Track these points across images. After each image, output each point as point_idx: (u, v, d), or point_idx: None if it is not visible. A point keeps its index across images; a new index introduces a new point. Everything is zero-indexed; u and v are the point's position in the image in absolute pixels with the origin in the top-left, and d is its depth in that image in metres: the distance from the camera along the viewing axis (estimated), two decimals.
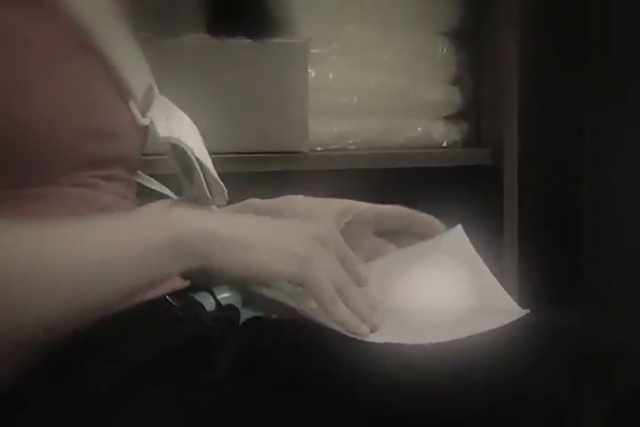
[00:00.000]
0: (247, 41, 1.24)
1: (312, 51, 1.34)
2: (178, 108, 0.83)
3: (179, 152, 0.77)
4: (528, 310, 0.60)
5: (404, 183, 1.29)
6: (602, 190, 1.68)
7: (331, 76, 1.39)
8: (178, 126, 0.79)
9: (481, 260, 0.69)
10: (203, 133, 0.82)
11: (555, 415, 0.60)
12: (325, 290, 0.59)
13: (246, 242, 0.58)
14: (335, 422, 0.58)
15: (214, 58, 1.17)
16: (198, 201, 0.78)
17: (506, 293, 0.64)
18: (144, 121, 0.69)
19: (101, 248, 0.53)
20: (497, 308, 0.63)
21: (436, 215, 1.53)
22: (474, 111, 1.53)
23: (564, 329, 0.67)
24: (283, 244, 0.59)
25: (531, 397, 0.61)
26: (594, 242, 1.71)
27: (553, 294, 1.72)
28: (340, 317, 0.61)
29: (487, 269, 0.68)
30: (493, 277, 0.67)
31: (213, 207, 0.79)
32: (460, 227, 0.73)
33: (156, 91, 0.75)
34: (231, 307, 0.78)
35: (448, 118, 1.52)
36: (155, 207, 0.71)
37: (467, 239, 0.72)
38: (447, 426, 0.63)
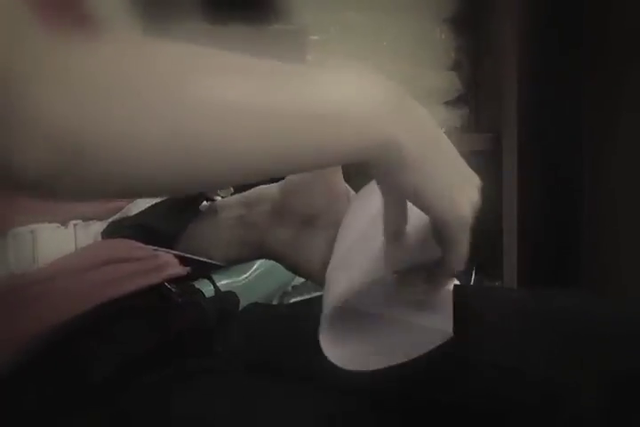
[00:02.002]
0: (245, 28, 1.24)
1: (311, 37, 1.34)
2: None
3: None
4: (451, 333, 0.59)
5: None
6: (601, 175, 1.68)
7: (329, 62, 1.39)
8: None
9: None
10: None
11: (554, 396, 0.60)
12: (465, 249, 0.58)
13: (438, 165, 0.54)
14: (334, 407, 0.58)
15: (212, 45, 1.17)
16: (203, 193, 0.77)
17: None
18: None
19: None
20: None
21: None
22: (473, 97, 1.53)
23: (563, 309, 0.68)
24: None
25: (530, 377, 0.62)
26: (593, 225, 1.71)
27: (552, 276, 1.72)
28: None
29: None
30: None
31: (218, 198, 0.79)
32: None
33: None
34: (230, 293, 0.79)
35: (447, 104, 1.52)
36: None
37: None
38: (446, 405, 0.64)
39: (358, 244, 0.66)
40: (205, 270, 0.76)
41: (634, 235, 1.59)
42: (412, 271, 0.61)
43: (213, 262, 0.76)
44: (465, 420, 0.63)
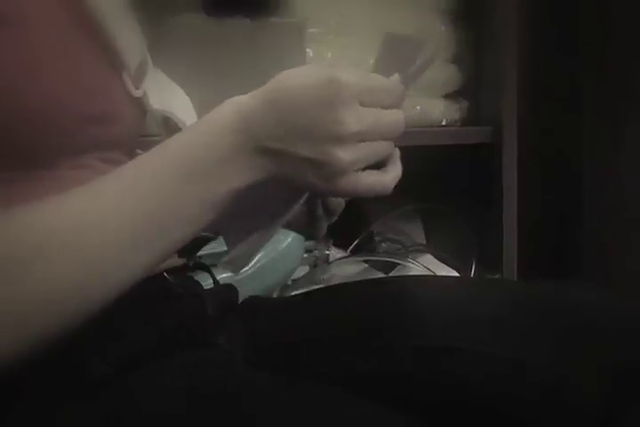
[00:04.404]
0: (244, 20, 1.24)
1: (310, 30, 1.34)
2: (172, 81, 0.82)
3: (171, 126, 0.77)
4: None
5: (404, 162, 1.28)
6: (602, 167, 1.68)
7: (329, 55, 1.38)
8: (171, 99, 0.78)
9: None
10: (198, 112, 0.82)
11: (554, 388, 0.60)
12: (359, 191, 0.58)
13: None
14: (331, 402, 0.58)
15: (211, 38, 1.17)
16: None
17: None
18: (137, 93, 0.69)
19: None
20: None
21: (436, 193, 1.54)
22: (473, 89, 1.53)
23: (565, 301, 0.68)
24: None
25: (531, 369, 0.62)
26: (594, 218, 1.71)
27: (552, 269, 1.72)
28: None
29: None
30: None
31: None
32: None
33: (150, 63, 0.75)
34: (229, 286, 0.79)
35: (447, 97, 1.51)
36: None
37: None
38: (448, 389, 0.64)
39: None
40: (198, 244, 0.76)
41: (635, 227, 1.59)
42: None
43: (206, 235, 0.76)
44: (466, 415, 0.63)
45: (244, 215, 0.62)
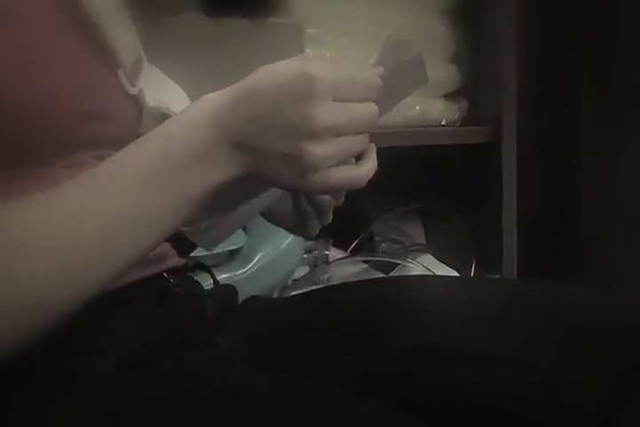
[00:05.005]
0: (243, 20, 1.24)
1: (309, 30, 1.33)
2: (168, 78, 0.82)
3: None
4: None
5: (404, 162, 1.28)
6: (602, 167, 1.68)
7: (328, 55, 1.38)
8: (167, 95, 0.78)
9: None
10: None
11: (554, 386, 0.60)
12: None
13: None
14: (331, 401, 0.58)
15: (210, 38, 1.17)
16: None
17: None
18: (133, 90, 0.69)
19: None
20: None
21: (436, 193, 1.54)
22: (473, 89, 1.52)
23: (565, 300, 0.68)
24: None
25: (531, 368, 0.62)
26: (594, 218, 1.71)
27: (552, 268, 1.72)
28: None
29: None
30: None
31: None
32: None
33: (145, 61, 0.75)
34: (229, 286, 0.79)
35: (447, 97, 1.51)
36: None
37: None
38: (448, 389, 0.64)
39: None
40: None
41: (635, 227, 1.59)
42: None
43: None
44: (466, 415, 0.63)
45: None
